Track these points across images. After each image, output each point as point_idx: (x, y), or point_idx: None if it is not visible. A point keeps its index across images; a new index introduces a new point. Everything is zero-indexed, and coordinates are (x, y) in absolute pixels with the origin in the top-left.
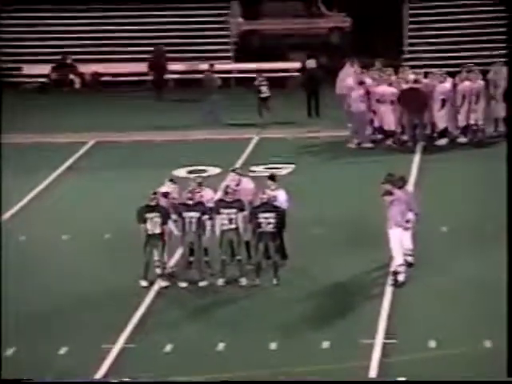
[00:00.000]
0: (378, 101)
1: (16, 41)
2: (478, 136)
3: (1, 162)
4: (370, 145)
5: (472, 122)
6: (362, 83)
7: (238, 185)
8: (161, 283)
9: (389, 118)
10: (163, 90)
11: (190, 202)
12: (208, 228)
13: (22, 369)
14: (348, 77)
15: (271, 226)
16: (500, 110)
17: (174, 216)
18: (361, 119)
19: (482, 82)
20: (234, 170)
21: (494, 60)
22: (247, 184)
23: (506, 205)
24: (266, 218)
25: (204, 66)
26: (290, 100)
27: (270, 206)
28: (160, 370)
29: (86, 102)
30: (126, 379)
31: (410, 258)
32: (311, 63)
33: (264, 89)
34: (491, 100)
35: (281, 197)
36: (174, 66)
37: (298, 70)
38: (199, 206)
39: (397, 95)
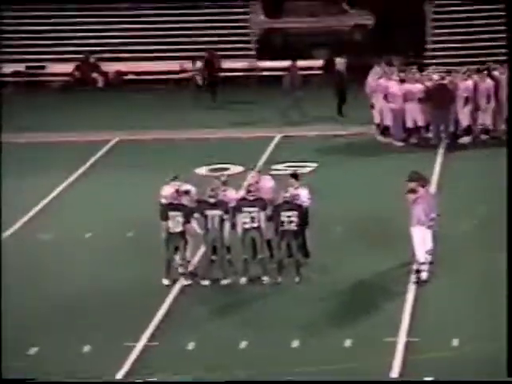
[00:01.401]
0: (405, 99)
1: (39, 40)
2: (493, 134)
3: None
4: (400, 143)
5: (488, 121)
6: (402, 81)
7: (257, 183)
8: (183, 282)
9: (415, 115)
10: (217, 91)
11: (213, 200)
12: (228, 226)
13: (45, 368)
14: (379, 75)
15: (294, 224)
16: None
17: (196, 214)
18: (395, 116)
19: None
20: (253, 169)
21: None
22: (267, 182)
23: (506, 206)
24: (288, 216)
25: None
26: (314, 98)
27: (292, 204)
28: (182, 367)
29: (109, 100)
30: (129, 380)
31: (429, 257)
32: (341, 62)
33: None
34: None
35: (303, 195)
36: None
37: (320, 68)
38: (222, 204)
39: (424, 92)
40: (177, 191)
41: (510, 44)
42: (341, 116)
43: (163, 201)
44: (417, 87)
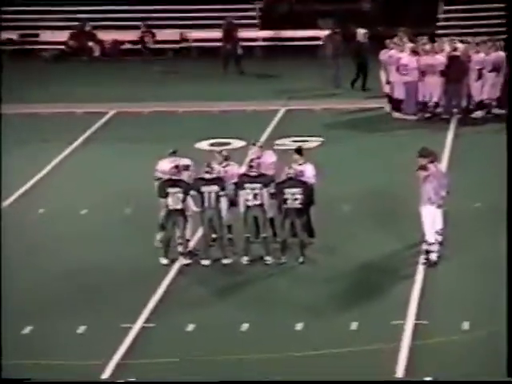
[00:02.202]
0: (422, 72)
1: (32, 5)
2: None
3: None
4: (413, 117)
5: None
6: (415, 53)
7: (259, 158)
8: (182, 261)
9: (431, 89)
10: (229, 63)
11: (208, 176)
12: (225, 203)
13: (39, 348)
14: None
15: (298, 202)
16: None
17: (192, 191)
18: (408, 90)
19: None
20: (254, 144)
21: None
22: (269, 157)
23: (506, 194)
24: (292, 193)
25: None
26: (319, 70)
27: (296, 181)
28: (181, 350)
29: (106, 71)
30: (130, 379)
31: (439, 238)
32: (361, 33)
33: None
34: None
35: (308, 171)
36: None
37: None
38: (219, 180)
39: (442, 65)
40: (176, 166)
41: (509, 38)
42: (363, 90)
43: (160, 175)
44: (438, 59)
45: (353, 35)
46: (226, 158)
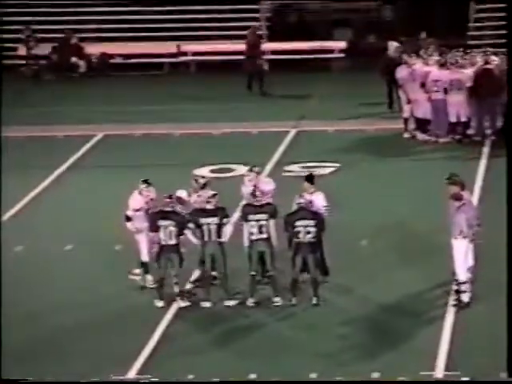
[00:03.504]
0: (450, 88)
1: (12, 15)
2: None
3: None
4: (445, 139)
5: None
6: (443, 66)
7: (255, 187)
8: (180, 303)
9: (459, 108)
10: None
11: (208, 207)
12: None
13: None
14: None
15: (311, 235)
16: None
17: (190, 224)
18: (436, 108)
19: None
20: (251, 170)
21: None
22: (266, 186)
23: (506, 208)
24: (305, 226)
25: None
26: (335, 85)
27: (308, 211)
28: None
29: (93, 88)
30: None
31: (470, 276)
32: (393, 46)
33: None
34: None
35: (319, 201)
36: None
37: (343, 51)
38: (219, 210)
39: (470, 80)
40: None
41: (509, 41)
42: (391, 109)
43: (130, 214)
44: (466, 74)
45: (382, 49)
46: (203, 187)
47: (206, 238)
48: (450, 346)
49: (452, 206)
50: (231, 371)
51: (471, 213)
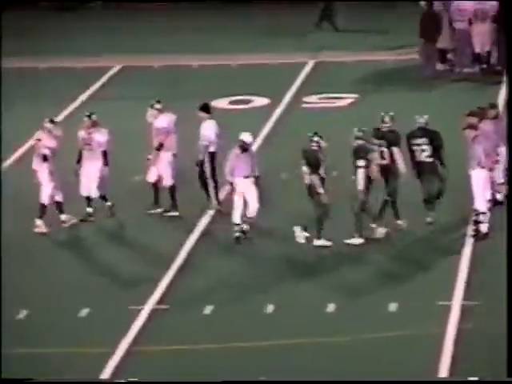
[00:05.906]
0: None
1: None
2: None
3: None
4: (471, 69)
5: None
6: None
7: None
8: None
9: (483, 38)
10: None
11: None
12: None
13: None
14: None
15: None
16: None
17: None
18: (460, 38)
19: None
20: (152, 106)
21: None
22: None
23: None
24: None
25: None
26: (351, 16)
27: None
28: (196, 335)
29: (112, 20)
30: (131, 379)
31: (499, 196)
32: None
33: None
34: None
35: None
36: None
37: None
38: None
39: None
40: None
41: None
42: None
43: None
44: (490, 3)
45: None
46: (94, 124)
47: None
48: (468, 275)
49: (468, 136)
50: (252, 305)
51: (489, 143)
